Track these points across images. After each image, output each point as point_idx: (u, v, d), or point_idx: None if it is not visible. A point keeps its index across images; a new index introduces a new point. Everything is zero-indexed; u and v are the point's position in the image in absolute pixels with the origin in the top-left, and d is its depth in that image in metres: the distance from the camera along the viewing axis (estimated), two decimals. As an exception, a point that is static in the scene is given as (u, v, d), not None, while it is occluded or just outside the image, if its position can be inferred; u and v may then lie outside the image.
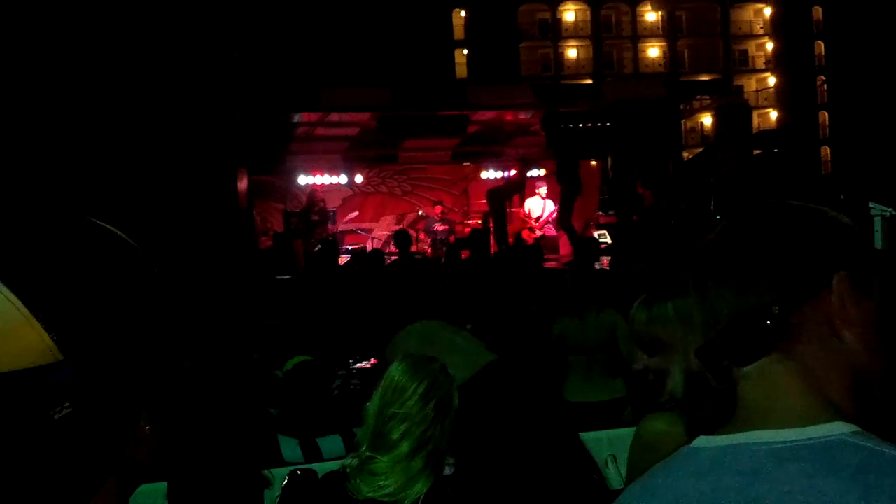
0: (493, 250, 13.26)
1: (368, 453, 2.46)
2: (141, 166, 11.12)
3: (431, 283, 6.22)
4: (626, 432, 2.23)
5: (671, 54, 51.85)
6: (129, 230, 0.84)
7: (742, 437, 0.95)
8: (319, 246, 12.53)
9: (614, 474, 2.95)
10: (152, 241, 0.87)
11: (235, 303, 7.92)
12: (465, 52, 49.24)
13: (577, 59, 51.54)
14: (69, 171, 10.52)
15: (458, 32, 49.49)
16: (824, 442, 0.90)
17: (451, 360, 2.64)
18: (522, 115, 15.42)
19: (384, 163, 16.56)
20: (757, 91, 52.67)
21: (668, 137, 15.85)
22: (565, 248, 13.73)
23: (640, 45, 52.23)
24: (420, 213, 16.21)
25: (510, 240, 14.22)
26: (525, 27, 50.49)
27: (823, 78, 51.90)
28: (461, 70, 48.69)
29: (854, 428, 0.91)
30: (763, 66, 53.50)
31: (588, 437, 3.60)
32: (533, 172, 15.56)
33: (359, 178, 16.28)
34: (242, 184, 12.73)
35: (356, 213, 16.60)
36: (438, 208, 15.67)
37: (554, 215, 14.74)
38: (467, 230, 15.20)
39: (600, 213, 15.19)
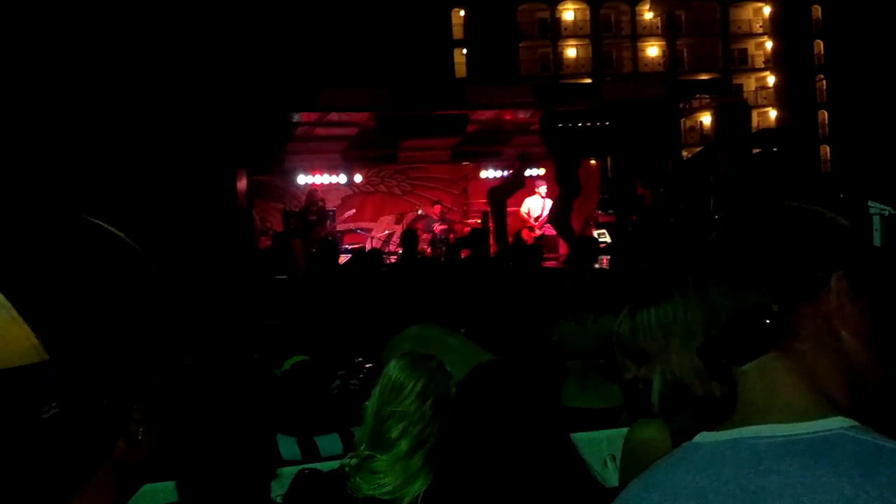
0: (493, 250, 13.26)
1: (367, 452, 2.47)
2: (140, 166, 11.13)
3: (434, 283, 6.22)
4: (626, 432, 2.25)
5: (670, 53, 51.85)
6: (128, 230, 0.84)
7: (742, 431, 0.97)
8: (318, 246, 12.53)
9: (613, 474, 2.96)
10: (152, 241, 0.87)
11: (234, 302, 7.92)
12: (465, 51, 49.25)
13: (577, 59, 51.55)
14: (68, 170, 10.52)
15: (458, 32, 49.50)
16: (823, 436, 0.91)
17: (447, 361, 2.64)
18: (522, 115, 15.41)
19: (383, 162, 16.56)
20: (756, 90, 52.70)
21: (667, 137, 15.84)
22: (565, 247, 13.73)
23: (639, 44, 52.24)
24: (419, 212, 16.20)
25: (510, 239, 14.22)
26: (524, 26, 50.50)
27: (823, 77, 51.91)
28: (460, 69, 48.69)
29: (852, 423, 0.92)
30: (762, 66, 53.51)
31: (587, 436, 3.61)
32: (532, 172, 15.55)
33: (358, 178, 16.27)
34: (242, 184, 12.74)
35: (354, 211, 16.58)
36: (437, 208, 15.67)
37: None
38: (466, 230, 15.20)
39: (599, 212, 15.20)
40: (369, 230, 16.21)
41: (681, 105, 16.42)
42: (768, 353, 0.99)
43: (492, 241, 13.79)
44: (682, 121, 18.31)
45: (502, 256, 11.18)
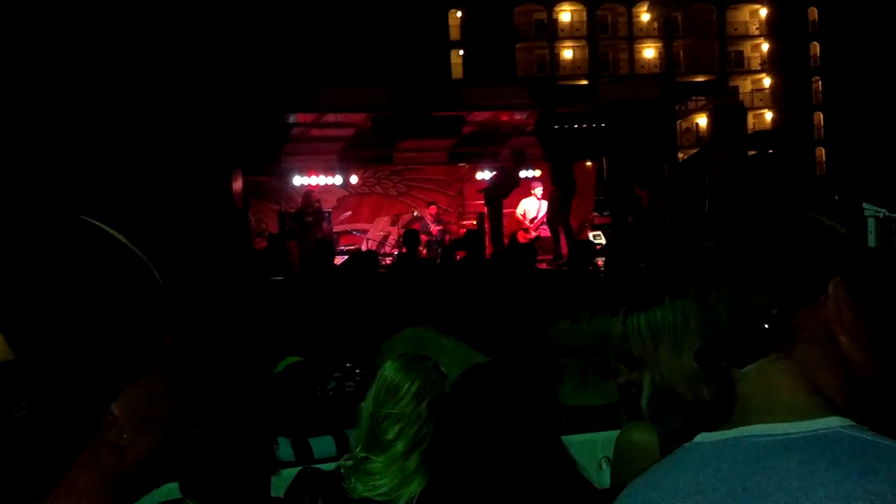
0: (489, 251, 13.25)
1: (363, 453, 2.47)
2: (136, 166, 11.12)
3: (429, 284, 6.22)
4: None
5: (667, 55, 51.92)
6: (122, 230, 0.83)
7: (741, 430, 0.99)
8: (314, 247, 12.51)
9: (608, 476, 2.97)
10: (146, 241, 0.86)
11: (230, 303, 7.91)
12: (461, 52, 49.27)
13: (573, 60, 51.60)
14: (64, 170, 10.50)
15: (454, 33, 49.52)
16: (822, 434, 0.93)
17: (441, 362, 2.64)
18: (518, 116, 15.41)
19: (380, 163, 16.53)
20: (752, 92, 52.80)
21: (663, 138, 15.86)
22: (562, 249, 13.71)
23: (635, 45, 52.30)
24: (415, 213, 16.19)
25: (505, 241, 14.21)
26: (521, 28, 50.53)
27: (818, 79, 52.00)
28: (457, 71, 48.71)
29: (850, 422, 0.95)
30: (758, 67, 53.61)
31: (582, 438, 3.61)
32: (528, 173, 15.54)
33: (354, 179, 16.25)
34: (238, 184, 12.73)
35: (350, 213, 16.57)
36: (433, 208, 15.65)
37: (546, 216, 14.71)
38: (462, 231, 15.18)
39: (595, 213, 15.20)
40: (365, 231, 16.19)
41: (677, 107, 16.45)
42: (768, 356, 1.01)
43: (488, 242, 13.77)
44: (678, 122, 18.34)
45: (497, 258, 11.17)
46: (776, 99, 52.51)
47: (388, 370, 2.54)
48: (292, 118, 14.24)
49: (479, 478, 1.95)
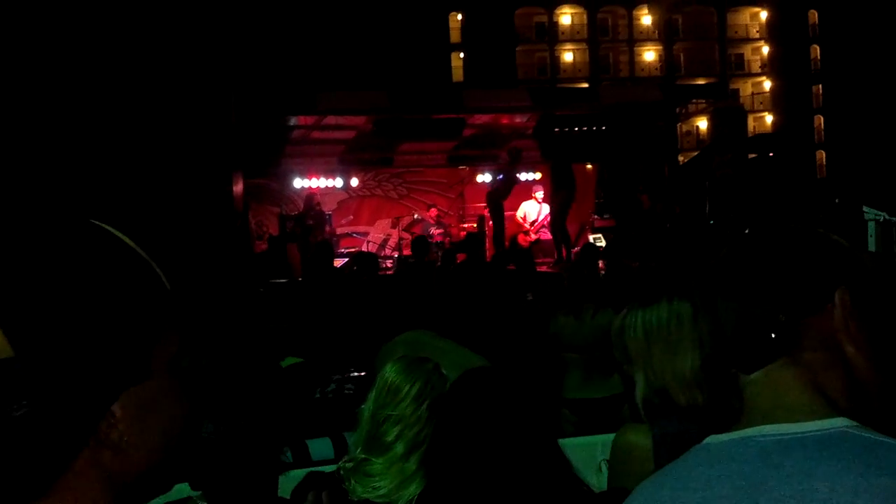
0: (489, 253, 13.24)
1: (363, 455, 2.47)
2: (137, 168, 11.13)
3: (430, 287, 6.22)
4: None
5: (667, 58, 51.95)
6: (122, 232, 0.83)
7: (749, 431, 1.03)
8: (313, 249, 12.52)
9: (607, 478, 2.97)
10: (146, 243, 0.86)
11: (230, 305, 7.91)
12: (462, 55, 49.31)
13: (574, 63, 51.63)
14: (65, 172, 10.51)
15: (455, 36, 49.56)
16: (828, 433, 0.98)
17: (440, 365, 2.65)
18: (518, 119, 15.42)
19: (380, 166, 16.54)
20: (752, 95, 52.82)
21: (663, 141, 15.87)
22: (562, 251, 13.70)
23: (636, 48, 52.33)
24: (415, 216, 16.19)
25: (506, 243, 14.21)
26: (521, 30, 50.57)
27: (819, 82, 52.03)
28: (457, 73, 48.75)
29: (855, 423, 0.99)
30: (759, 70, 53.64)
31: (582, 441, 3.62)
32: (528, 176, 15.54)
33: (354, 182, 16.25)
34: (238, 187, 12.74)
35: (351, 217, 16.57)
36: (433, 211, 15.65)
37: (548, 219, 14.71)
38: (462, 234, 15.18)
39: (595, 216, 15.20)
40: (365, 234, 16.19)
41: (677, 109, 16.45)
42: (776, 362, 1.06)
43: (490, 244, 13.77)
44: (678, 125, 18.33)
45: (497, 260, 11.17)
46: (776, 102, 52.54)
47: (390, 372, 2.54)
48: (293, 121, 14.25)
49: (474, 480, 1.95)
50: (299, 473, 2.65)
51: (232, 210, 12.38)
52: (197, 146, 11.81)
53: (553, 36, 51.14)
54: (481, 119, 14.89)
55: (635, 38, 52.14)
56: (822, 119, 51.82)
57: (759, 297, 1.06)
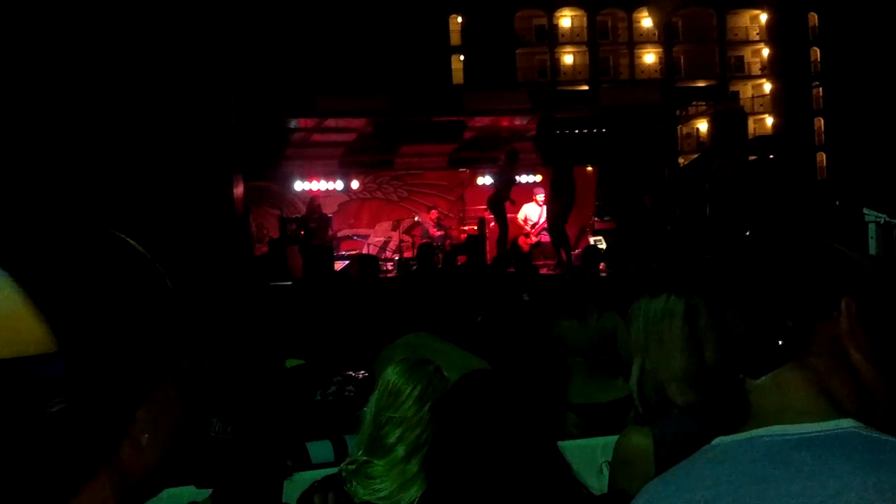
0: (490, 256, 13.24)
1: (365, 457, 2.47)
2: (137, 171, 11.13)
3: (430, 290, 6.23)
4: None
5: (667, 60, 51.96)
6: (125, 235, 0.85)
7: (757, 431, 1.05)
8: (314, 252, 12.51)
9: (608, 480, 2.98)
10: (148, 246, 0.87)
11: (230, 308, 7.92)
12: (462, 57, 49.32)
13: (574, 65, 51.64)
14: (66, 174, 10.52)
15: (455, 38, 49.57)
16: (835, 433, 1.00)
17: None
18: (518, 121, 15.43)
19: (380, 168, 16.54)
20: (753, 97, 52.82)
21: (664, 143, 15.87)
22: (563, 254, 13.71)
23: (636, 50, 52.34)
24: (416, 219, 16.18)
25: (507, 246, 14.21)
26: (521, 33, 50.59)
27: (819, 84, 52.03)
28: (458, 76, 48.76)
29: (862, 424, 1.01)
30: (759, 73, 53.64)
31: (583, 443, 3.62)
32: (529, 178, 15.54)
33: (355, 184, 16.24)
34: (238, 190, 12.75)
35: (351, 218, 16.56)
36: (434, 213, 15.64)
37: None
38: (463, 236, 15.17)
39: (596, 219, 15.20)
40: (366, 237, 16.18)
41: (677, 112, 16.47)
42: (783, 366, 1.08)
43: (492, 247, 13.76)
44: (678, 127, 18.35)
45: (498, 262, 11.18)
46: (776, 104, 52.54)
47: (391, 374, 2.54)
48: (293, 123, 14.26)
49: (475, 483, 1.95)
50: (301, 477, 2.65)
51: (232, 213, 12.38)
52: (197, 149, 11.82)
53: (553, 38, 51.15)
54: (481, 121, 14.90)
55: (635, 41, 52.15)
56: (822, 121, 51.82)
57: (767, 303, 1.09)
